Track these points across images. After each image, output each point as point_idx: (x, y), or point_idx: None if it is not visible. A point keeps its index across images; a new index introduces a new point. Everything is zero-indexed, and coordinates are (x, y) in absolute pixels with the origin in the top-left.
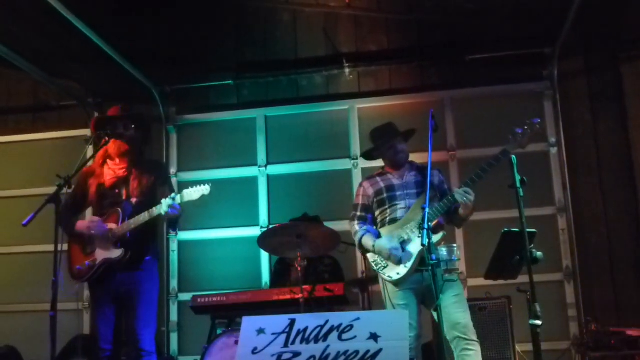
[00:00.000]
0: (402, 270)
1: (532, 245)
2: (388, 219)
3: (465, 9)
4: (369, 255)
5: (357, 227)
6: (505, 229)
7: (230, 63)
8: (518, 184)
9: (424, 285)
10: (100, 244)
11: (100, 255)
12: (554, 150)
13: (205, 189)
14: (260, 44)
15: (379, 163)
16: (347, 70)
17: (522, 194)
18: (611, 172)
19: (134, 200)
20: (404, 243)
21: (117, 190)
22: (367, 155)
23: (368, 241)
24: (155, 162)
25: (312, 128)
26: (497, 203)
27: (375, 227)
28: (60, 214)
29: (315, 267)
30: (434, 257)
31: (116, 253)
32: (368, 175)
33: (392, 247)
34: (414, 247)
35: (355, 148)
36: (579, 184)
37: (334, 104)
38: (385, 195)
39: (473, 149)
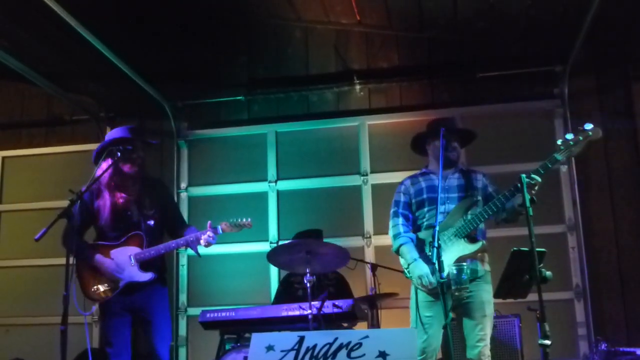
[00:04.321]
0: (435, 280)
1: (542, 265)
2: (425, 223)
3: (476, 26)
4: (402, 262)
5: (400, 230)
6: (515, 248)
7: (241, 79)
8: (528, 203)
9: (456, 298)
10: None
11: (125, 278)
12: (564, 168)
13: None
14: (271, 60)
15: (392, 179)
16: (357, 87)
17: (531, 213)
18: (622, 191)
19: (151, 222)
20: (439, 249)
21: (129, 212)
22: (417, 139)
23: (406, 254)
24: (159, 182)
25: (323, 144)
26: None
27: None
28: (68, 237)
29: (319, 281)
30: (443, 275)
31: (146, 276)
32: (410, 174)
33: (424, 274)
34: (448, 257)
35: (365, 164)
36: (589, 202)
37: (345, 120)
38: (425, 196)
39: (483, 166)
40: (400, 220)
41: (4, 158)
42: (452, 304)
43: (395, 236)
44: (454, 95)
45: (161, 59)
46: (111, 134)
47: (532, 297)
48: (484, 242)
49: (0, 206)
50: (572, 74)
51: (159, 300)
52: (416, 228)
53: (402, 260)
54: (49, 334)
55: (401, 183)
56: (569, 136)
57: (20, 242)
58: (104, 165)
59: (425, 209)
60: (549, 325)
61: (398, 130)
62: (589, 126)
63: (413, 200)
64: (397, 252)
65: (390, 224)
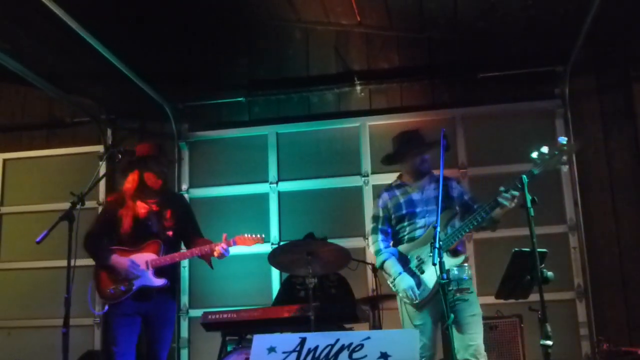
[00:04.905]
0: (422, 293)
1: (543, 265)
2: (406, 236)
3: (476, 27)
4: (386, 277)
5: (381, 246)
6: (516, 249)
7: (242, 80)
8: (529, 204)
9: (442, 305)
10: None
11: (139, 281)
12: (565, 168)
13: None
14: (272, 61)
15: (391, 178)
16: (358, 88)
17: (532, 213)
18: (623, 191)
19: (170, 233)
20: (422, 264)
21: (149, 223)
22: (388, 160)
23: (390, 269)
24: (179, 196)
25: (323, 145)
26: (509, 221)
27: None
28: (90, 242)
29: (321, 282)
30: (444, 276)
31: (159, 282)
32: (386, 186)
33: (409, 287)
34: (431, 271)
35: (366, 165)
36: (590, 202)
37: (345, 121)
38: (404, 211)
39: (484, 166)
40: (380, 237)
41: (5, 160)
42: (440, 311)
43: (377, 252)
44: (455, 96)
45: (162, 61)
46: (140, 149)
47: (534, 297)
48: (466, 254)
49: (1, 208)
50: (572, 74)
51: (169, 311)
52: (397, 241)
53: (386, 275)
54: (50, 337)
55: (379, 197)
56: (544, 150)
57: (21, 244)
58: (130, 177)
59: (406, 223)
60: (550, 325)
61: (399, 131)
62: (563, 140)
63: (393, 215)
64: (381, 267)
65: (370, 240)
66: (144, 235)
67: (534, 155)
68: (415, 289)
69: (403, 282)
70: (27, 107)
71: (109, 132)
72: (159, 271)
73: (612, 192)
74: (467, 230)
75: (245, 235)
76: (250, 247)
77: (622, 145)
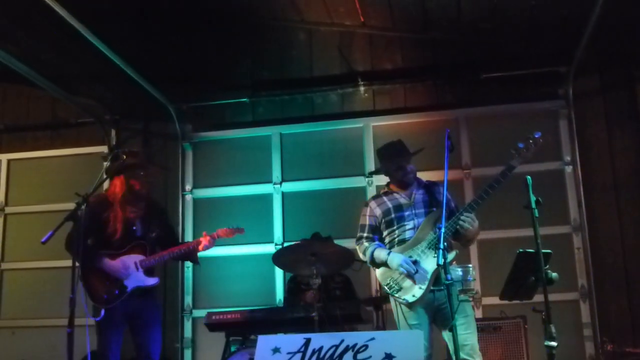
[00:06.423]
0: (417, 292)
1: (547, 266)
2: (397, 239)
3: (480, 27)
4: (381, 279)
5: (366, 244)
6: (520, 250)
7: (246, 81)
8: (533, 205)
9: (436, 305)
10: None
11: (132, 282)
12: (569, 168)
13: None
14: (275, 62)
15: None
16: (362, 88)
17: (537, 214)
18: (627, 191)
19: (153, 234)
20: (415, 264)
21: (134, 227)
22: (375, 174)
23: (380, 254)
24: (162, 207)
25: (327, 146)
26: (512, 222)
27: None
28: (75, 244)
29: (326, 284)
30: (449, 277)
31: (151, 281)
32: (373, 195)
33: (403, 260)
34: (428, 268)
35: (370, 166)
36: (594, 202)
37: (349, 121)
38: (393, 215)
39: (488, 167)
40: (364, 242)
41: (9, 161)
42: (432, 312)
43: (364, 252)
44: (458, 96)
45: (165, 62)
46: (128, 156)
47: (538, 298)
48: (457, 251)
49: (6, 209)
50: (576, 75)
51: (156, 311)
52: (388, 246)
53: (381, 279)
54: (54, 336)
55: (366, 205)
56: (521, 145)
57: (26, 244)
58: (117, 181)
59: (395, 227)
60: (554, 326)
61: (402, 132)
62: (538, 134)
63: (382, 220)
64: (372, 260)
65: (358, 250)
66: (129, 238)
67: (512, 150)
68: (409, 260)
69: (395, 258)
70: (31, 107)
71: (113, 132)
72: (148, 271)
73: (616, 192)
74: (447, 235)
75: (226, 228)
76: (253, 247)
77: (625, 146)
